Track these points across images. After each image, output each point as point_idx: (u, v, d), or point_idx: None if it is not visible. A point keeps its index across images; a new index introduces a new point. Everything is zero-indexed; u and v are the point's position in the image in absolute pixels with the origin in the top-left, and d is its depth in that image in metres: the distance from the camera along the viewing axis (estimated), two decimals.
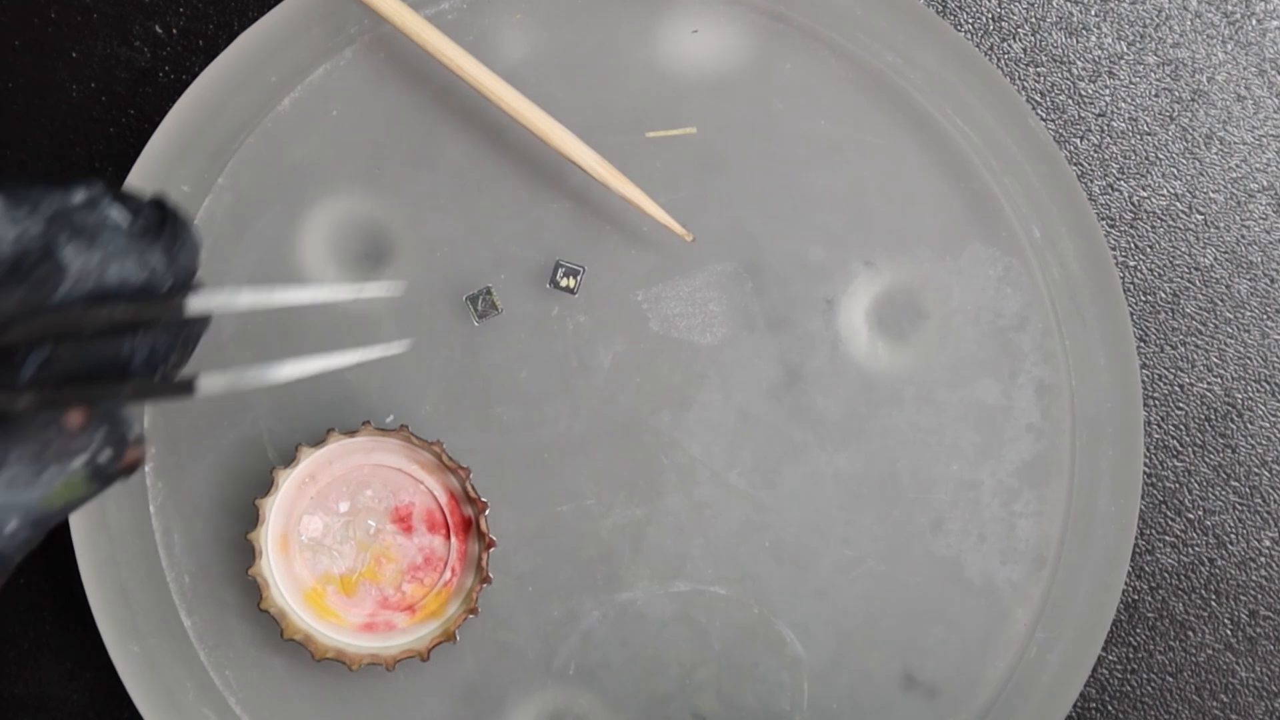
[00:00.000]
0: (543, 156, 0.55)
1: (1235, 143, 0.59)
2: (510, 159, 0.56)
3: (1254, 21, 0.59)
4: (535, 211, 0.56)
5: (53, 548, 0.59)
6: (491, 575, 0.55)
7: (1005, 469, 0.56)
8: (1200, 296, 0.59)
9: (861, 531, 0.56)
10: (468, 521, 0.56)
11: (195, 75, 0.59)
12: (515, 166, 0.56)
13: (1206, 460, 0.59)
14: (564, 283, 0.56)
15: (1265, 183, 0.59)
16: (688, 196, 0.56)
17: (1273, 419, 0.59)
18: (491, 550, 0.55)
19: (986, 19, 0.59)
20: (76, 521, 0.56)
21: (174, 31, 0.59)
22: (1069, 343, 0.56)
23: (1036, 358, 0.56)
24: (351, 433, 0.54)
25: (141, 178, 0.56)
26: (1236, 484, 0.59)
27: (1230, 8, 0.59)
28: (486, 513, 0.55)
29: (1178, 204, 0.59)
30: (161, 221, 0.44)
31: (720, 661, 0.56)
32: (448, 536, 0.56)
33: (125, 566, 0.56)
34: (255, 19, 0.59)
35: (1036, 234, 0.56)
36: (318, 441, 0.55)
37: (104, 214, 0.43)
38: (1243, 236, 0.59)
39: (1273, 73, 0.59)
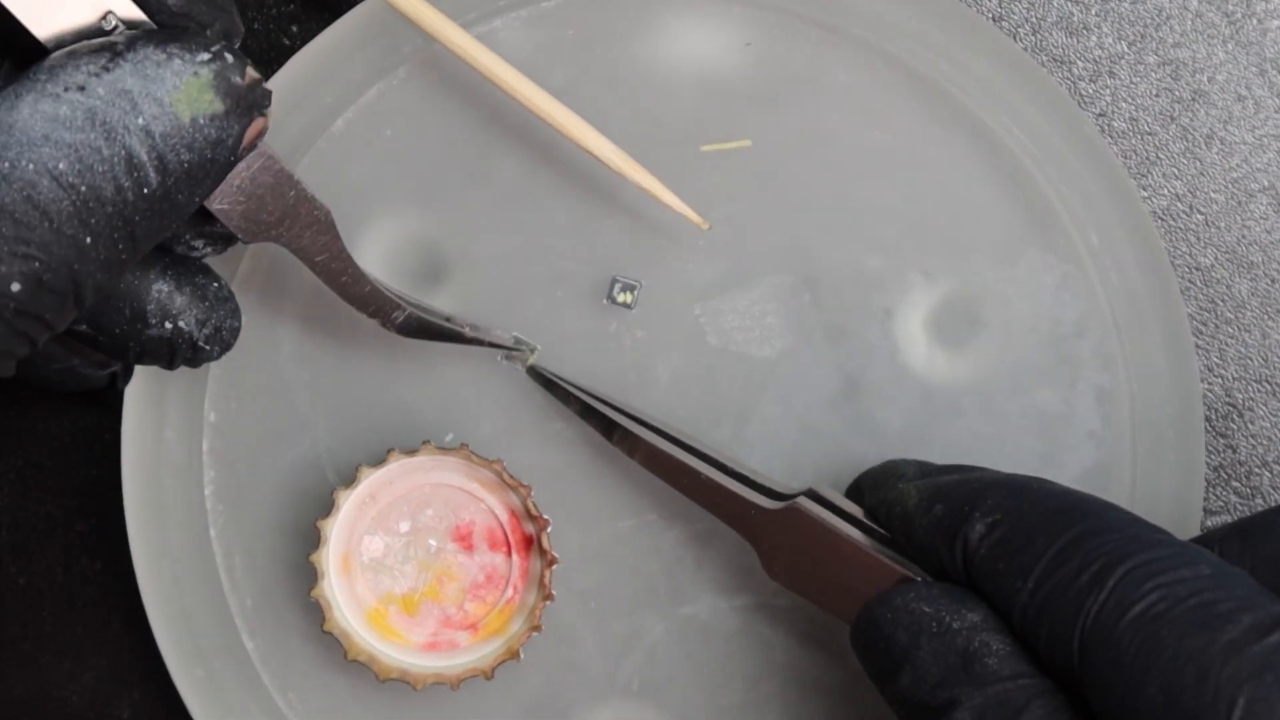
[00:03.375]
0: (597, 172, 0.55)
1: (1235, 143, 0.59)
2: (564, 175, 0.56)
3: (1254, 21, 0.59)
4: (591, 227, 0.56)
5: (51, 548, 0.59)
6: (554, 592, 0.55)
7: (1067, 476, 0.56)
8: (1200, 296, 0.59)
9: None
10: (529, 539, 0.55)
11: None
12: (570, 183, 0.56)
13: (1206, 460, 0.58)
14: (621, 298, 0.56)
15: (1265, 183, 0.59)
16: (744, 209, 0.56)
17: (1273, 419, 0.59)
18: (554, 567, 0.55)
19: (987, 19, 0.59)
20: (138, 547, 0.56)
21: None
22: (1128, 349, 0.56)
23: (1095, 365, 0.56)
24: (412, 452, 0.54)
25: None
26: (1237, 484, 0.59)
27: (1230, 8, 0.59)
28: (548, 530, 0.55)
29: (1178, 204, 0.59)
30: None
31: (785, 674, 0.56)
32: (509, 554, 0.56)
33: (187, 591, 0.56)
34: (255, 19, 0.59)
35: (1094, 240, 0.56)
36: (378, 462, 0.55)
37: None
38: (1243, 236, 0.59)
39: (1273, 73, 0.59)
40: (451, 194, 0.56)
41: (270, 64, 0.59)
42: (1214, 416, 0.59)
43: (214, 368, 0.56)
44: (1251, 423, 0.59)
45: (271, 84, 0.56)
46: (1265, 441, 0.59)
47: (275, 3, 0.60)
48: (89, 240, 0.40)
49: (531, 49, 0.56)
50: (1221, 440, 0.59)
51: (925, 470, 0.51)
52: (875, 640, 0.47)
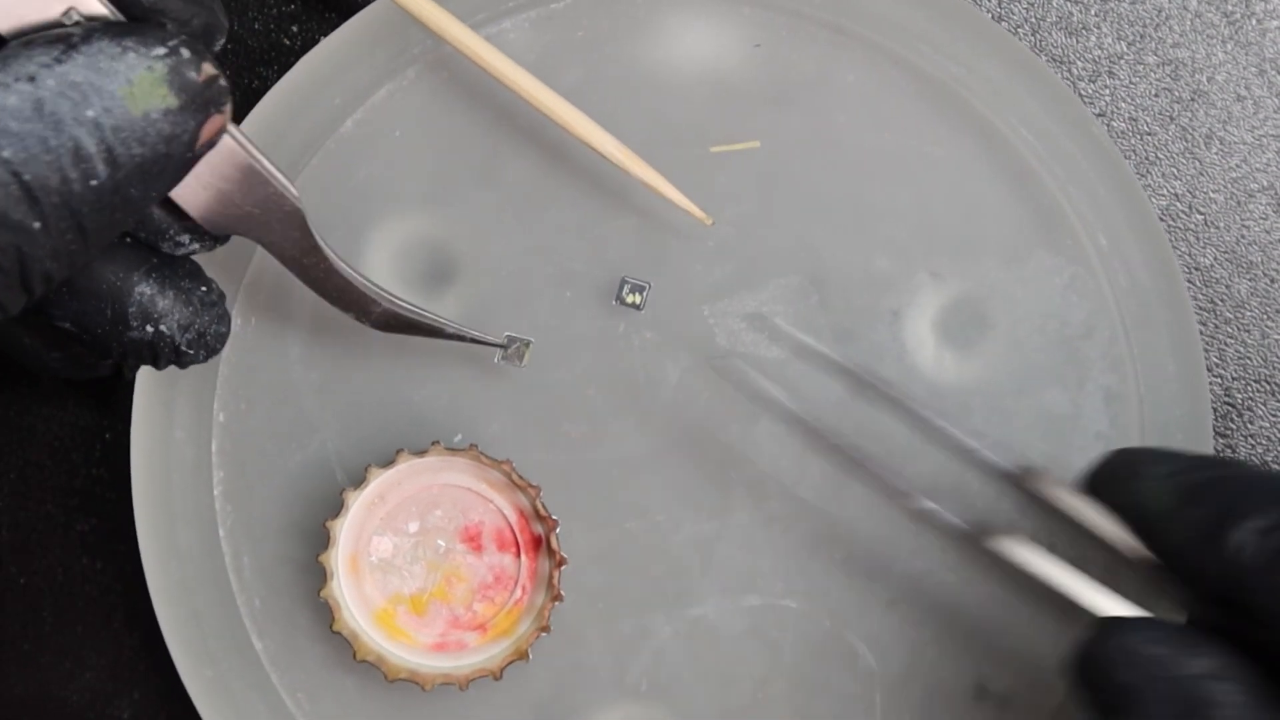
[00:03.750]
0: (606, 173, 0.55)
1: (1235, 143, 0.59)
2: (574, 176, 0.56)
3: (1254, 21, 0.59)
4: (599, 228, 0.56)
5: (51, 548, 0.59)
6: (563, 593, 0.55)
7: (1074, 477, 0.56)
8: (1200, 296, 0.59)
9: (930, 542, 0.56)
10: (538, 540, 0.55)
11: None
12: (578, 184, 0.56)
13: None
14: (630, 299, 0.56)
15: (1265, 183, 0.59)
16: (752, 210, 0.56)
17: (1273, 419, 0.59)
18: (563, 568, 0.55)
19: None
20: (148, 547, 0.56)
21: None
22: (1136, 350, 0.56)
23: (1104, 366, 0.56)
24: (421, 453, 0.54)
25: None
26: None
27: (1230, 8, 0.59)
28: (557, 530, 0.55)
29: (1178, 204, 0.59)
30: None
31: (793, 675, 0.56)
32: (518, 555, 0.56)
33: (196, 591, 0.56)
34: (255, 19, 0.59)
35: (1103, 242, 0.56)
36: (387, 462, 0.55)
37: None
38: (1243, 236, 0.59)
39: (1273, 73, 0.59)
40: (460, 195, 0.56)
41: (271, 64, 0.59)
42: (1213, 416, 0.59)
43: (223, 369, 0.56)
44: (1251, 423, 0.59)
45: (281, 85, 0.56)
46: (1265, 441, 0.60)
47: (276, 2, 0.60)
48: (37, 226, 0.40)
49: (540, 50, 0.56)
50: (1221, 440, 0.59)
51: (1166, 460, 0.46)
52: (1094, 678, 0.43)
